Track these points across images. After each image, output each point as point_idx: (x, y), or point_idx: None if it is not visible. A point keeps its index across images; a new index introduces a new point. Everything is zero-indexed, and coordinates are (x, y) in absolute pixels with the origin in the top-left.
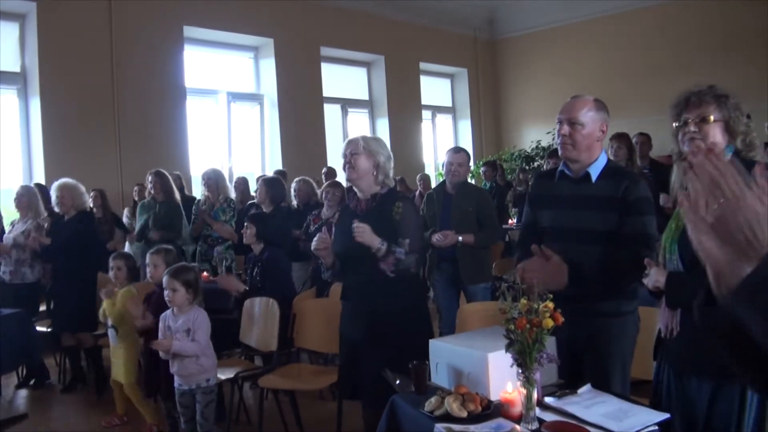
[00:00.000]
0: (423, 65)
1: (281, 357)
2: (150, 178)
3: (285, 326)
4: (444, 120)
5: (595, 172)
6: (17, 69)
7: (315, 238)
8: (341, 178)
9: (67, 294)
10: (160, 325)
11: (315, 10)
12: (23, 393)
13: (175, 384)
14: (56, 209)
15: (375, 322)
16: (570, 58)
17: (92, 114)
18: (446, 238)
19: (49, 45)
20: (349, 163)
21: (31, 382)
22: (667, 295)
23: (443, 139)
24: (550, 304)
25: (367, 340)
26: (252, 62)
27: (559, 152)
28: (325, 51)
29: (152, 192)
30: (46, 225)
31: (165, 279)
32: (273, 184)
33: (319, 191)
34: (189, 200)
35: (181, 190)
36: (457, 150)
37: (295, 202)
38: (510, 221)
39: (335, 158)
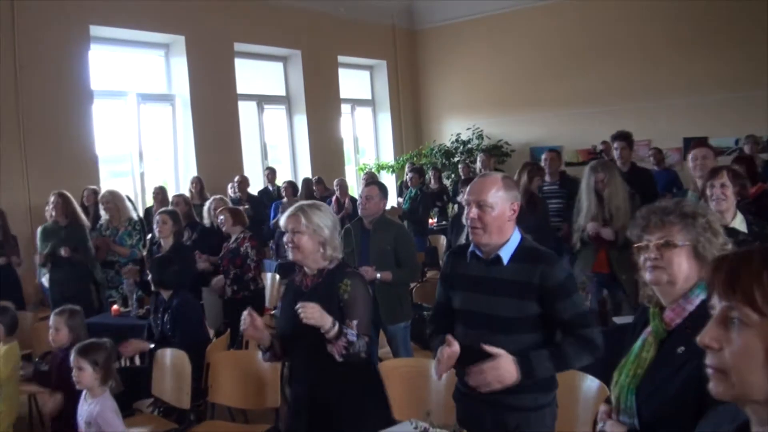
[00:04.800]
0: (341, 58)
1: (196, 410)
2: (52, 200)
3: (199, 377)
4: (364, 113)
5: (506, 254)
6: None
7: (242, 320)
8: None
9: None
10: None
11: (228, 5)
12: None
13: None
14: None
15: (320, 414)
16: (490, 50)
17: None
18: (366, 274)
19: None
20: (292, 242)
21: None
22: None
23: (364, 132)
24: None
25: None
26: (163, 61)
27: (469, 236)
28: (239, 47)
29: (54, 215)
30: None
31: (73, 354)
32: (175, 218)
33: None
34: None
35: (96, 205)
36: (368, 182)
37: (207, 221)
38: (431, 221)
39: (251, 159)
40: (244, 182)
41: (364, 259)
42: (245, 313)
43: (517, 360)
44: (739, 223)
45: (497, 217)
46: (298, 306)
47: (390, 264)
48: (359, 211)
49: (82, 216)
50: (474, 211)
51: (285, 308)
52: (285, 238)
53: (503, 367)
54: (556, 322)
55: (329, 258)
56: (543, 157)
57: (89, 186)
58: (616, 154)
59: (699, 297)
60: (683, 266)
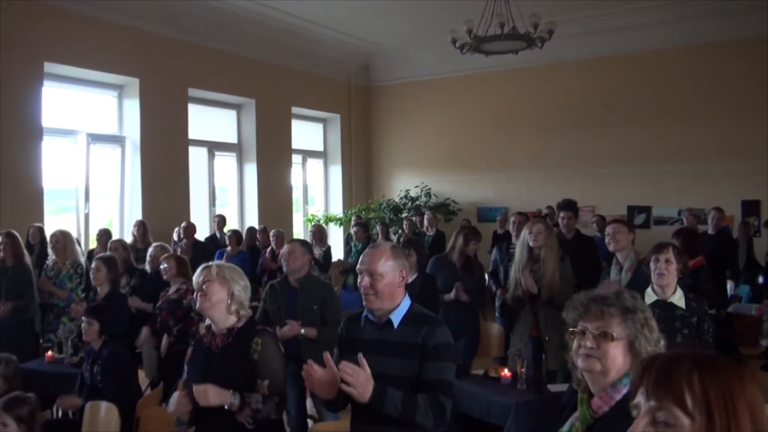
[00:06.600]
0: (295, 109)
1: None
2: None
3: (129, 431)
4: (315, 165)
5: (397, 318)
6: None
7: (171, 401)
8: (202, 230)
9: None
10: None
11: (184, 51)
12: None
13: None
14: None
15: None
16: (442, 111)
17: None
18: (292, 328)
19: None
20: (201, 291)
21: None
22: None
23: (314, 183)
24: None
25: None
26: (115, 102)
27: (363, 302)
28: (194, 92)
29: (2, 255)
30: None
31: None
32: (110, 264)
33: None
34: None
35: (44, 243)
36: (291, 240)
37: (148, 268)
38: None
39: (199, 205)
40: (190, 228)
41: (290, 317)
42: (176, 394)
43: (377, 385)
44: (678, 299)
45: (388, 285)
46: (194, 389)
47: (315, 323)
48: (283, 267)
49: (27, 257)
50: (366, 280)
51: (194, 372)
52: (195, 288)
53: (365, 377)
54: (419, 379)
55: (236, 313)
56: (512, 219)
57: (35, 224)
58: (562, 223)
59: (626, 387)
60: (618, 360)
